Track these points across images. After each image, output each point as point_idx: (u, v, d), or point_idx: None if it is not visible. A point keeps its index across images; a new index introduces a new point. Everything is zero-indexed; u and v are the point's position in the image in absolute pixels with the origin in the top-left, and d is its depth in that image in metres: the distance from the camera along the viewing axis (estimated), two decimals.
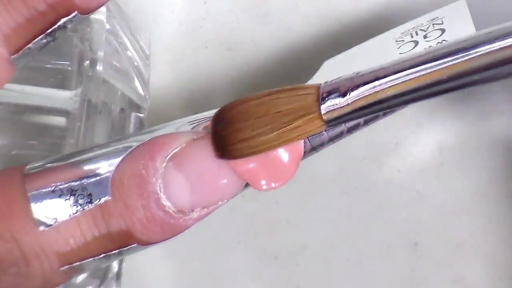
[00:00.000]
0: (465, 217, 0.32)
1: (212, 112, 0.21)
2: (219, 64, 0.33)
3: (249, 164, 0.20)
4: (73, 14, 0.21)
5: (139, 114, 0.30)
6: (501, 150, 0.32)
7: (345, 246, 0.33)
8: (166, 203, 0.19)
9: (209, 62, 0.33)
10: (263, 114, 0.23)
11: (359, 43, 0.32)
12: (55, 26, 0.21)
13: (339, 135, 0.20)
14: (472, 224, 0.32)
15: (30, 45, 0.21)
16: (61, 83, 0.28)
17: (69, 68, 0.28)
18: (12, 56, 0.21)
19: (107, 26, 0.29)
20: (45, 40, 0.21)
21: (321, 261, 0.33)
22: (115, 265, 0.30)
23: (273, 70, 0.33)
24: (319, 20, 0.32)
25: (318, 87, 0.22)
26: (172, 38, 0.33)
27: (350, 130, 0.20)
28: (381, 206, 0.33)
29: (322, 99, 0.21)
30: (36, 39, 0.21)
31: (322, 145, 0.20)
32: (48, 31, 0.21)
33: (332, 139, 0.20)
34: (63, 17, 0.21)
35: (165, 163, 0.19)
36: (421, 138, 0.33)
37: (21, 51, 0.21)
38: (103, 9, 0.28)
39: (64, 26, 0.21)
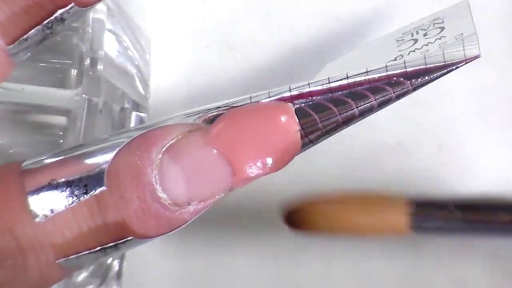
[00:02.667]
0: None
1: (209, 106, 0.21)
2: (220, 63, 0.33)
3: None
4: (70, 6, 0.21)
5: (139, 114, 0.30)
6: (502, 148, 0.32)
7: (345, 246, 0.32)
8: (162, 194, 0.19)
9: (210, 61, 0.33)
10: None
11: (360, 41, 0.32)
12: (52, 18, 0.21)
13: (335, 128, 0.20)
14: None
15: (27, 35, 0.21)
16: (62, 82, 0.28)
17: (70, 67, 0.29)
18: (8, 47, 0.21)
19: (108, 26, 0.29)
20: (42, 33, 0.21)
21: (321, 260, 0.32)
22: (115, 264, 0.30)
23: (274, 69, 0.33)
24: (320, 19, 0.32)
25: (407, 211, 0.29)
26: (172, 37, 0.33)
27: (346, 122, 0.20)
28: None
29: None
30: (33, 30, 0.21)
31: (318, 137, 0.20)
32: (45, 22, 0.21)
33: (328, 132, 0.20)
34: (60, 8, 0.21)
35: (160, 155, 0.19)
36: (421, 138, 0.33)
37: (17, 42, 0.21)
38: (103, 8, 0.29)
39: (61, 19, 0.21)
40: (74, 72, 0.28)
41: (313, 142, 0.20)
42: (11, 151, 0.28)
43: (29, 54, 0.22)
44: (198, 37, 0.33)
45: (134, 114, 0.30)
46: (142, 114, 0.31)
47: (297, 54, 0.32)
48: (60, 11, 0.21)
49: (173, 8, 0.33)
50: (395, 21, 0.32)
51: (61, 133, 0.27)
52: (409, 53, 0.22)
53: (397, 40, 0.24)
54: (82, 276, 0.28)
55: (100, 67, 0.28)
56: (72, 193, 0.19)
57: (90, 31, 0.28)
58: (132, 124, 0.30)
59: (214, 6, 0.33)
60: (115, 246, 0.20)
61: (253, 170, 0.20)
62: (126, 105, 0.30)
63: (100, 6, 0.29)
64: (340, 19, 0.33)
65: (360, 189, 0.32)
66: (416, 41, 0.23)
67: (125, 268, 0.30)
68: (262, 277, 0.33)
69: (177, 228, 0.20)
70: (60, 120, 0.28)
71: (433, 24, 0.23)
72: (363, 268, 0.33)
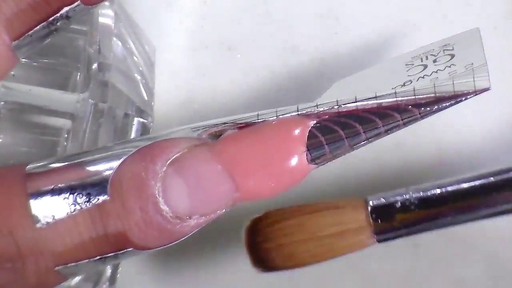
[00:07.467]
0: None
1: (215, 121, 0.21)
2: (220, 64, 0.33)
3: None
4: (76, 4, 0.21)
5: (142, 120, 0.30)
6: (501, 149, 0.32)
7: None
8: (164, 207, 0.19)
9: (210, 62, 0.33)
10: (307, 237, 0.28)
11: (359, 42, 0.32)
12: (58, 15, 0.21)
13: (341, 151, 0.20)
14: (472, 224, 0.32)
15: (31, 32, 0.21)
16: (69, 86, 0.28)
17: (77, 71, 0.29)
18: (13, 43, 0.21)
19: (115, 31, 0.29)
20: (47, 30, 0.21)
21: None
22: (108, 268, 0.30)
23: (274, 69, 0.32)
24: (320, 19, 0.32)
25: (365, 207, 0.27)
26: (172, 37, 0.33)
27: (352, 146, 0.20)
28: None
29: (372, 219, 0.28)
30: (38, 26, 0.21)
31: (324, 160, 0.20)
32: (50, 19, 0.21)
33: (333, 155, 0.20)
34: (66, 6, 0.21)
35: (165, 167, 0.19)
36: (421, 138, 0.32)
37: (22, 38, 0.21)
38: (110, 13, 0.29)
39: (67, 16, 0.21)
40: (81, 76, 0.28)
41: (317, 164, 0.20)
42: (13, 150, 0.28)
43: (32, 50, 0.22)
44: (198, 38, 0.33)
45: (137, 120, 0.30)
46: (145, 120, 0.31)
47: (297, 54, 0.32)
48: (66, 9, 0.21)
49: (173, 8, 0.33)
50: (393, 20, 0.32)
51: (65, 135, 0.27)
52: (418, 79, 0.22)
53: (406, 64, 0.24)
54: (75, 280, 0.28)
55: (107, 72, 0.28)
56: (74, 200, 0.19)
57: (98, 35, 0.28)
58: (135, 130, 0.30)
59: (214, 7, 0.33)
60: (114, 256, 0.20)
61: (257, 188, 0.20)
62: (130, 111, 0.30)
63: (107, 11, 0.28)
64: (340, 19, 0.32)
65: (360, 190, 0.32)
66: (425, 67, 0.23)
67: (120, 271, 0.30)
68: (262, 277, 0.32)
69: (176, 240, 0.20)
70: (64, 123, 0.28)
71: (443, 50, 0.23)
72: (363, 268, 0.32)
